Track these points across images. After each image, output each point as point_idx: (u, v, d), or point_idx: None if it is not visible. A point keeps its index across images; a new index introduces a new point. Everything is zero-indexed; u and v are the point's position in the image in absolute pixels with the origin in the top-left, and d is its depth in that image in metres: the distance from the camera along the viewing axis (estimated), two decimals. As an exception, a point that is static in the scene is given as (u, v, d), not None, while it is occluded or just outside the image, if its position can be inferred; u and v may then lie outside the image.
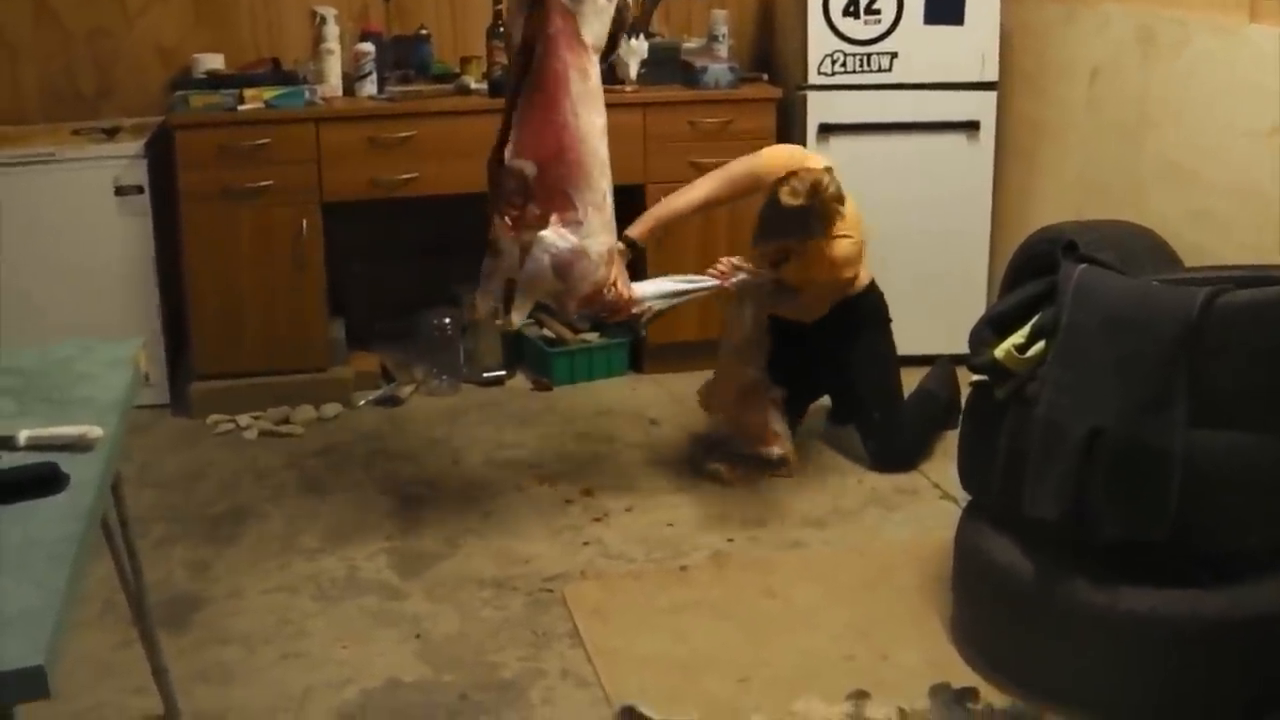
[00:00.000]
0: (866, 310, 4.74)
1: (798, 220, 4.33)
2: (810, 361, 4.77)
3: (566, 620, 3.77)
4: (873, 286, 4.77)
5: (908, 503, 4.51)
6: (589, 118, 4.07)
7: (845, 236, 4.47)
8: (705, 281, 4.58)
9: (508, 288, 4.26)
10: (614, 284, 4.26)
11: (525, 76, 4.09)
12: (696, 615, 3.81)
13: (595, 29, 4.08)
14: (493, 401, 5.40)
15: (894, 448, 4.75)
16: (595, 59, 4.12)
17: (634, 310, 4.46)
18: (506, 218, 4.16)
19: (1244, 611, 3.16)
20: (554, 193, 4.08)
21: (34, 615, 1.83)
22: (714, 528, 4.33)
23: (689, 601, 3.88)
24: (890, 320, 4.81)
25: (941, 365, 5.07)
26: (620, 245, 4.39)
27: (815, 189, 4.29)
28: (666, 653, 3.61)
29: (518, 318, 4.30)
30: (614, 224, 4.23)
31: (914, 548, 4.16)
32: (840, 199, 4.36)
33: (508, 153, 4.13)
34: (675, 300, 4.59)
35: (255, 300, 5.18)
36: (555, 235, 4.06)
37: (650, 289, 4.52)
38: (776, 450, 4.62)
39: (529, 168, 4.08)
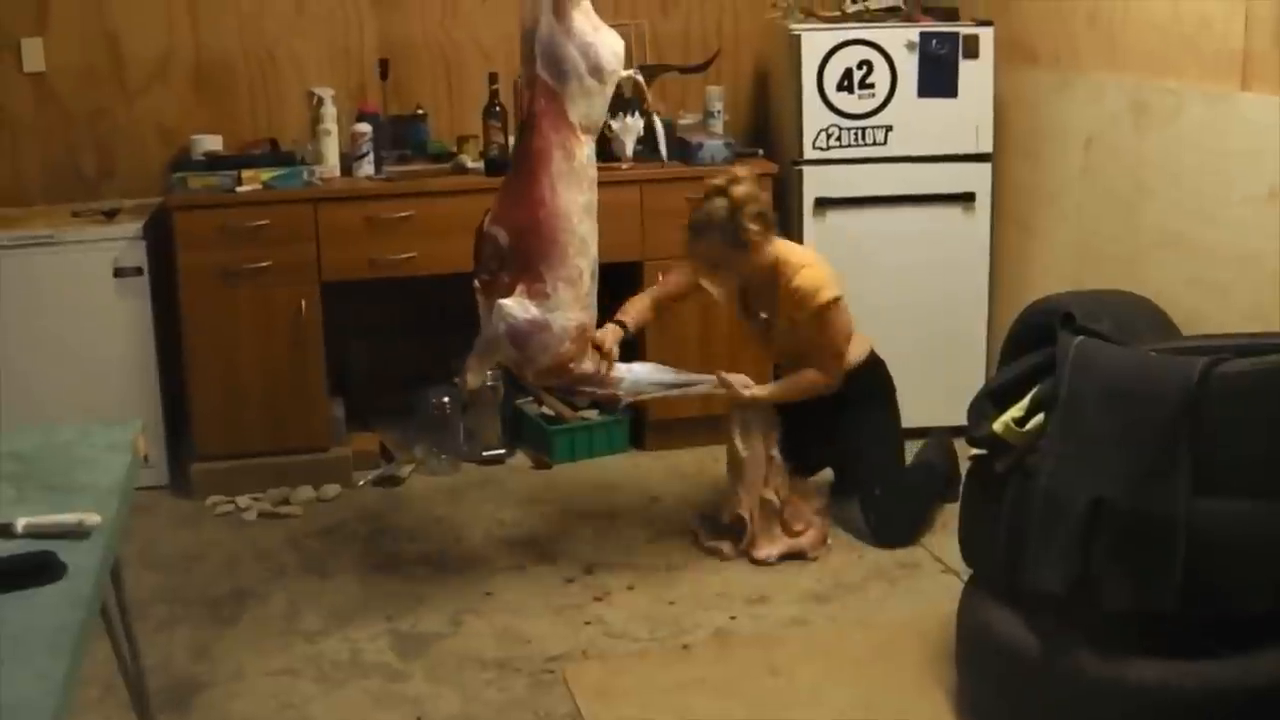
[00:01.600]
0: (866, 384, 4.71)
1: (717, 223, 4.43)
2: (811, 436, 4.76)
3: (568, 701, 3.74)
4: (872, 360, 4.74)
5: (909, 577, 4.49)
6: (569, 195, 4.18)
7: (804, 267, 4.55)
8: (700, 380, 4.68)
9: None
10: (594, 359, 4.40)
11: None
12: (700, 694, 3.78)
13: (582, 109, 4.21)
14: (493, 480, 5.38)
15: (894, 523, 4.72)
16: (585, 138, 4.24)
17: (606, 388, 4.55)
18: (477, 281, 4.31)
19: (1254, 680, 3.12)
20: (525, 264, 4.20)
21: (32, 705, 1.81)
22: (716, 605, 4.31)
23: (692, 680, 3.85)
24: (894, 392, 4.80)
25: (937, 438, 5.06)
26: (613, 326, 4.56)
27: (729, 185, 4.44)
28: (670, 732, 3.59)
29: (472, 379, 4.48)
30: (592, 302, 4.32)
31: (917, 622, 4.13)
32: (757, 202, 4.48)
33: (487, 219, 4.29)
34: (665, 392, 4.70)
35: (255, 380, 5.18)
36: (516, 305, 4.17)
37: (638, 373, 4.63)
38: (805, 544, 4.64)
39: (502, 236, 4.23)
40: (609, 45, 4.25)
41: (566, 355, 4.27)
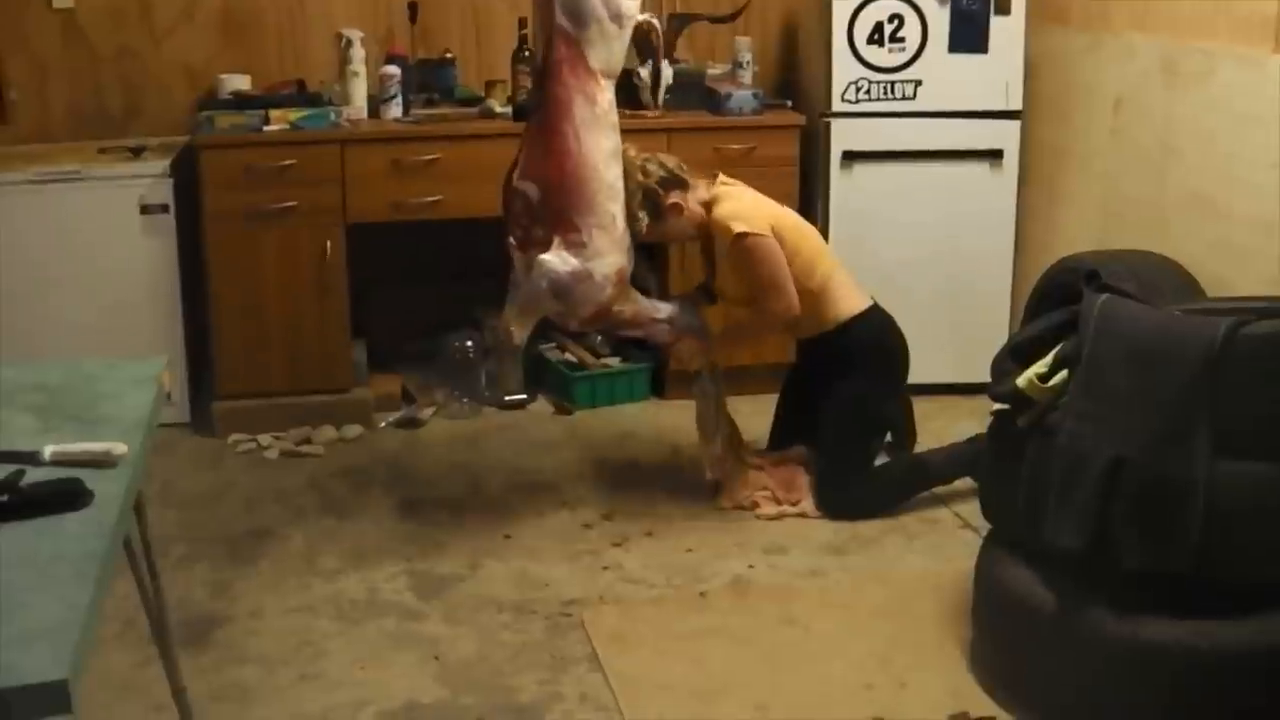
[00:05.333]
0: (851, 343, 4.57)
1: (638, 209, 4.43)
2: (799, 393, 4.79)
3: (585, 645, 3.77)
4: (864, 318, 4.58)
5: (928, 531, 4.50)
6: (594, 142, 4.21)
7: (724, 201, 4.54)
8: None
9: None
10: (635, 302, 4.44)
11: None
12: (715, 642, 3.80)
13: (602, 55, 4.22)
14: (513, 425, 5.40)
15: (833, 495, 4.58)
16: (606, 84, 4.25)
17: (656, 329, 4.60)
18: (512, 238, 4.34)
19: (1267, 642, 3.13)
20: (557, 215, 4.23)
21: (58, 630, 1.83)
22: (734, 554, 4.33)
23: (708, 628, 3.87)
24: (884, 361, 4.61)
25: (971, 444, 4.65)
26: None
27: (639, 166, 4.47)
28: (685, 679, 3.61)
29: (518, 334, 4.46)
30: (627, 244, 4.35)
31: (934, 576, 4.15)
32: (653, 170, 4.47)
33: (515, 174, 4.30)
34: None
35: (278, 321, 5.20)
36: (556, 259, 4.22)
37: (681, 313, 4.64)
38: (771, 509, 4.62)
39: (532, 190, 4.26)
40: None
41: (609, 300, 4.33)
